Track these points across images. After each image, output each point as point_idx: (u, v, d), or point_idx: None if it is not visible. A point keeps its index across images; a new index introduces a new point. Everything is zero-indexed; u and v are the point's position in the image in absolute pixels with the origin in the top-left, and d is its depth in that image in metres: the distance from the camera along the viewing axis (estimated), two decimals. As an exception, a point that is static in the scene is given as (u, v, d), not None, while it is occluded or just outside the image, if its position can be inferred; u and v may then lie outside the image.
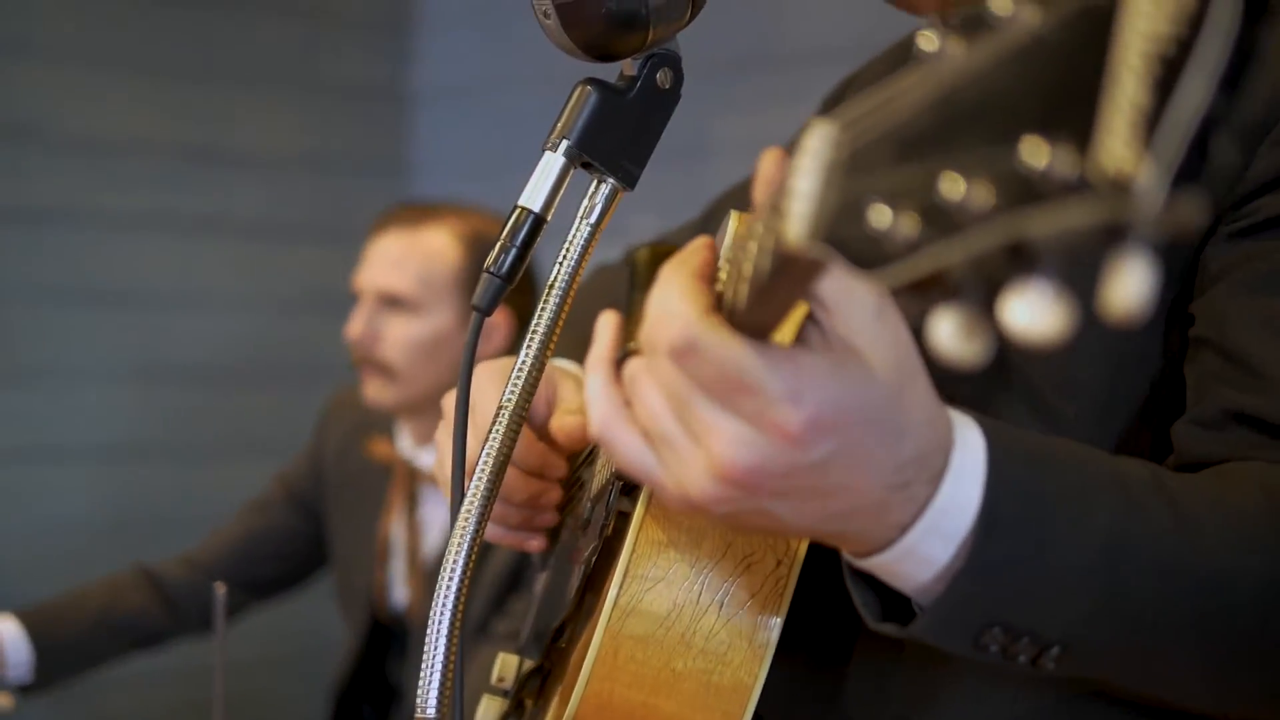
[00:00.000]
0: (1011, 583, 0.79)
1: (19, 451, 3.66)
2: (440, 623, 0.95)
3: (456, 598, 0.95)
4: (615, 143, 1.04)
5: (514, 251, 1.03)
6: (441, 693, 0.94)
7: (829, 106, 1.45)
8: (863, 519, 0.76)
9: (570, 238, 1.04)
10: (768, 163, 0.70)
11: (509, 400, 1.02)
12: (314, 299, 4.07)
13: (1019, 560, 0.78)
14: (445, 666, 0.95)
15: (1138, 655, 0.85)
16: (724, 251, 0.77)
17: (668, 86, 1.05)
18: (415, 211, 2.62)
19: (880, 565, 0.80)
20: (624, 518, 1.04)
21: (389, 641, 2.67)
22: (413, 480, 2.63)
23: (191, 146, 3.90)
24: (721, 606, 0.96)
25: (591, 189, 1.05)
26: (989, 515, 0.77)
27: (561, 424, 1.20)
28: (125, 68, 3.79)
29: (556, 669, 1.23)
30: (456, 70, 4.32)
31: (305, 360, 4.07)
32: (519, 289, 2.66)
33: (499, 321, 2.54)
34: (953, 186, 0.51)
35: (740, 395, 0.69)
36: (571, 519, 1.32)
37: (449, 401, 1.24)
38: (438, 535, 2.61)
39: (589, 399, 0.79)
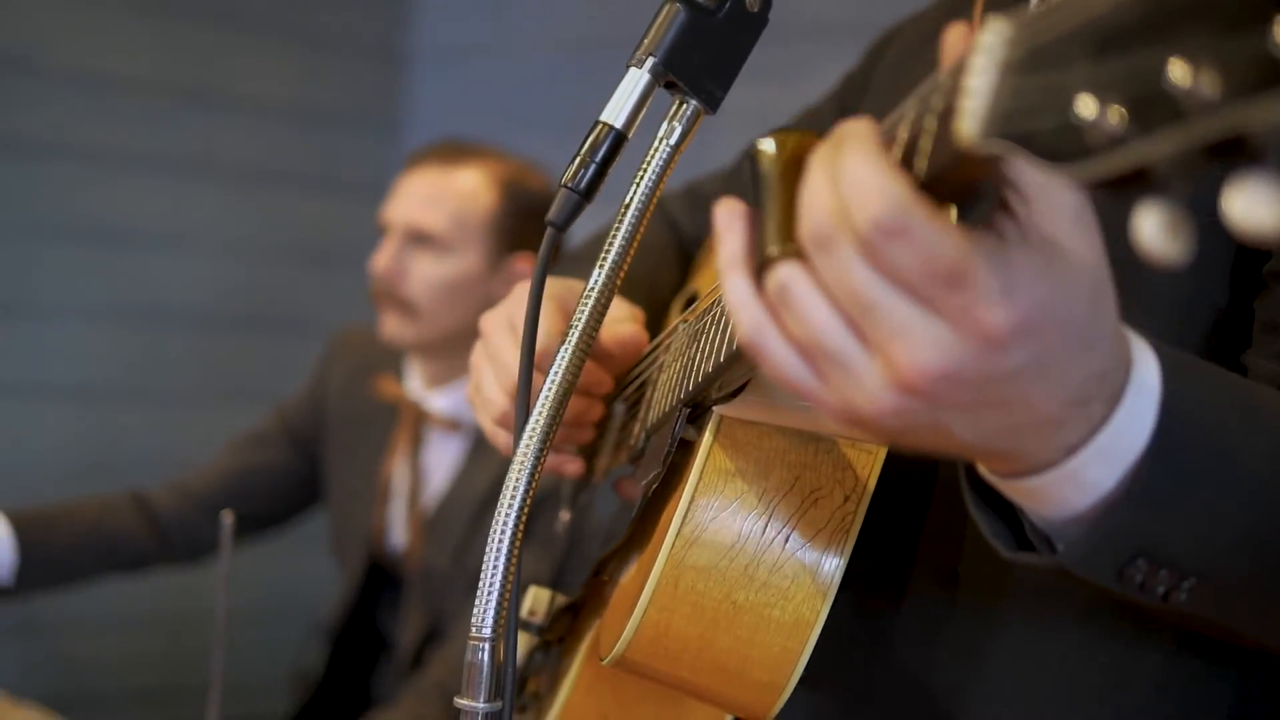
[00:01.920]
0: (1167, 511, 0.75)
1: (-5, 384, 3.59)
2: (500, 543, 0.91)
3: (518, 518, 0.92)
4: (701, 63, 1.01)
5: (593, 168, 1.00)
6: (498, 614, 0.91)
7: (873, 59, 1.43)
8: (1034, 436, 0.72)
9: (648, 158, 1.01)
10: (954, 38, 0.65)
11: (578, 322, 0.99)
12: (300, 250, 4.02)
13: (1180, 488, 0.75)
14: (503, 588, 0.91)
15: (1268, 592, 0.82)
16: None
17: (756, 9, 1.02)
18: (454, 149, 2.57)
19: (1033, 487, 0.76)
20: (687, 446, 1.01)
21: (382, 587, 2.64)
22: (419, 422, 2.59)
23: (184, 87, 3.84)
24: (787, 540, 0.94)
25: (673, 110, 1.02)
26: (1161, 440, 0.73)
27: (615, 334, 1.17)
28: (120, 1, 3.73)
29: (591, 603, 1.20)
30: (455, 30, 4.27)
31: (288, 310, 4.02)
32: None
33: (524, 270, 2.52)
34: (1181, 74, 0.49)
35: (947, 289, 0.63)
36: (612, 453, 1.29)
37: (488, 321, 1.21)
38: (440, 482, 2.58)
39: (732, 305, 0.72)
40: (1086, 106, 0.52)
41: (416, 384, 2.61)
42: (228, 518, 1.57)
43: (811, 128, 1.45)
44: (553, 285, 1.18)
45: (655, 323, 1.35)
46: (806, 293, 0.67)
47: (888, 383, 0.66)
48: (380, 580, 2.64)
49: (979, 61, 0.57)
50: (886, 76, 1.34)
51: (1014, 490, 0.78)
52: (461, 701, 0.92)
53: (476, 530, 2.43)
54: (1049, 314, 0.64)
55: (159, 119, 3.78)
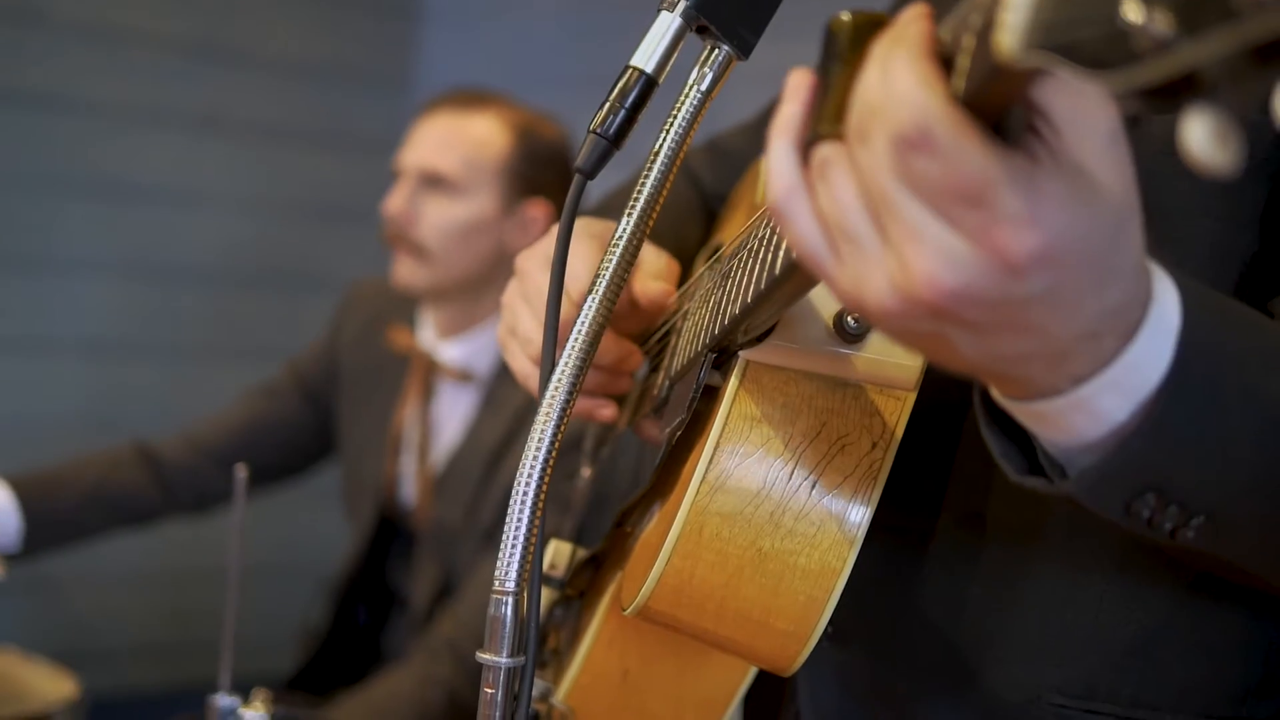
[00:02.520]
0: (1181, 448, 0.75)
1: (5, 340, 3.58)
2: (525, 495, 0.89)
3: (543, 468, 0.90)
4: (734, 7, 0.99)
5: (623, 113, 0.98)
6: (521, 567, 0.89)
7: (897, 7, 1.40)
8: (1039, 364, 0.71)
9: (679, 104, 0.98)
10: None
11: (607, 267, 0.97)
12: (312, 206, 4.00)
13: (1195, 426, 0.75)
14: (527, 541, 0.90)
15: (1278, 533, 0.82)
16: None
17: (789, -48, 0.99)
18: (468, 96, 2.57)
19: (1043, 412, 0.75)
20: (711, 393, 0.99)
21: (392, 541, 2.62)
22: (430, 373, 2.57)
23: (197, 42, 3.81)
24: (814, 487, 0.92)
25: (704, 55, 1.00)
26: (1177, 377, 0.73)
27: (645, 289, 1.15)
28: (133, -47, 3.70)
29: (613, 555, 1.19)
30: (470, -12, 4.24)
31: (299, 267, 4.00)
32: (564, 186, 2.60)
33: (538, 215, 2.50)
34: None
35: (967, 206, 0.62)
36: (634, 407, 1.27)
37: (524, 261, 1.19)
38: (451, 435, 2.56)
39: (771, 166, 0.72)
40: (1132, 10, 0.51)
41: (429, 334, 2.60)
42: (241, 471, 1.55)
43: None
44: (594, 225, 1.16)
45: (683, 276, 1.33)
46: (842, 173, 0.68)
47: (896, 284, 0.66)
48: (391, 534, 2.63)
49: None
50: None
51: (1024, 414, 0.77)
52: (484, 656, 0.91)
53: (488, 484, 2.42)
54: (1070, 244, 0.63)
55: (171, 74, 3.76)
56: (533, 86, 3.95)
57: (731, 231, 1.32)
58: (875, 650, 1.07)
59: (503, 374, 2.49)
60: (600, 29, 3.73)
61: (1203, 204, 0.93)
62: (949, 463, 1.03)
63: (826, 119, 0.70)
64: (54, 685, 2.10)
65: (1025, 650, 1.00)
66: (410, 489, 2.60)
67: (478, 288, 2.52)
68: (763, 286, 0.88)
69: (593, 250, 1.13)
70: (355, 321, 2.71)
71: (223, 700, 1.58)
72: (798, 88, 0.74)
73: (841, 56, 0.70)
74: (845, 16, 0.71)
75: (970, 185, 0.61)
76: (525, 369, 1.18)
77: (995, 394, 0.79)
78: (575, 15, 3.95)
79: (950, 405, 0.99)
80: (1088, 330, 0.70)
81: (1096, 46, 0.52)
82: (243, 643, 1.72)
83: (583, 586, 1.24)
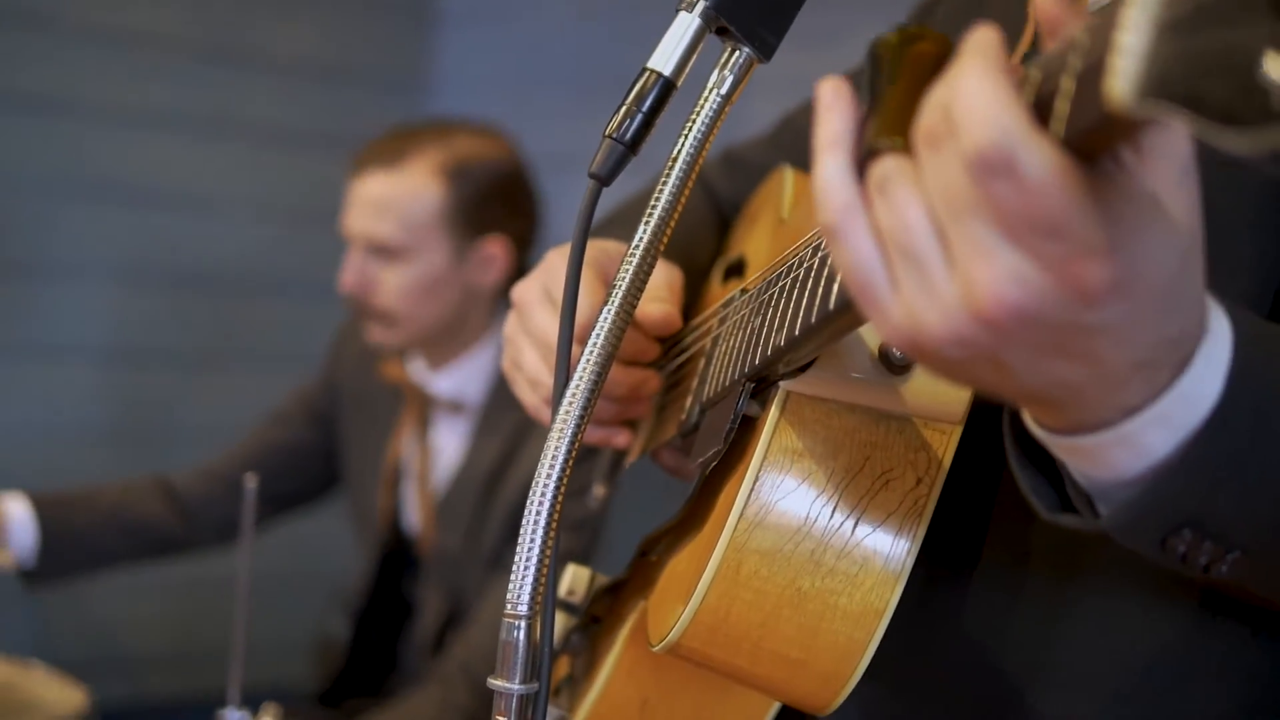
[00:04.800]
0: (1221, 484, 0.72)
1: (15, 347, 3.56)
2: (537, 518, 0.86)
3: (555, 490, 0.86)
4: (755, 8, 0.94)
5: (640, 117, 0.93)
6: (534, 591, 0.86)
7: (921, 19, 1.36)
8: (1095, 393, 0.68)
9: (698, 108, 0.95)
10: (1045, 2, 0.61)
11: (620, 282, 0.93)
12: (322, 211, 3.96)
13: (1236, 461, 0.72)
14: (540, 564, 0.86)
15: None
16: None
17: (812, -49, 0.95)
18: (391, 146, 2.44)
19: (1084, 445, 0.72)
20: (748, 423, 0.95)
21: (402, 561, 2.60)
22: (424, 405, 2.55)
23: (208, 44, 3.78)
24: (856, 524, 0.88)
25: (724, 58, 0.96)
26: (1224, 411, 0.70)
27: (646, 312, 1.11)
28: (143, -44, 3.67)
29: (635, 583, 1.15)
30: (484, -10, 4.22)
31: (310, 273, 3.97)
32: (518, 213, 2.53)
33: (496, 252, 2.44)
34: None
35: (1044, 235, 0.59)
36: (650, 428, 1.24)
37: (521, 291, 1.16)
38: (449, 463, 2.54)
39: (821, 182, 0.68)
40: (1276, 67, 0.49)
41: (419, 366, 2.57)
42: (250, 481, 1.52)
43: (859, 88, 1.39)
44: (591, 249, 1.12)
45: (693, 289, 1.29)
46: (907, 187, 0.64)
47: (962, 304, 0.62)
48: (400, 556, 2.61)
49: (1133, 16, 0.53)
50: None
51: (1062, 447, 0.74)
52: (495, 682, 0.87)
53: (487, 508, 2.39)
54: (1141, 273, 0.62)
55: (183, 77, 3.73)
56: (546, 89, 3.92)
57: (751, 243, 1.28)
58: (904, 683, 1.03)
59: (493, 399, 2.46)
60: (616, 31, 3.70)
61: (1246, 217, 0.90)
62: (992, 492, 0.99)
63: (884, 132, 0.66)
64: (62, 696, 2.07)
65: (1063, 682, 0.96)
66: (413, 516, 2.58)
67: (456, 326, 2.48)
68: (812, 320, 0.84)
69: (587, 279, 1.09)
70: (351, 351, 2.69)
71: (232, 715, 1.55)
72: (835, 98, 0.70)
73: (890, 73, 0.67)
74: (889, 35, 0.68)
75: (1050, 216, 0.59)
76: (534, 404, 1.16)
77: (1031, 426, 0.76)
78: (590, 17, 3.92)
79: (994, 432, 0.96)
80: (1147, 359, 0.67)
81: (1228, 101, 0.49)
82: (255, 652, 1.69)
83: (602, 613, 1.20)
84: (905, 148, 0.65)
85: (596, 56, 3.74)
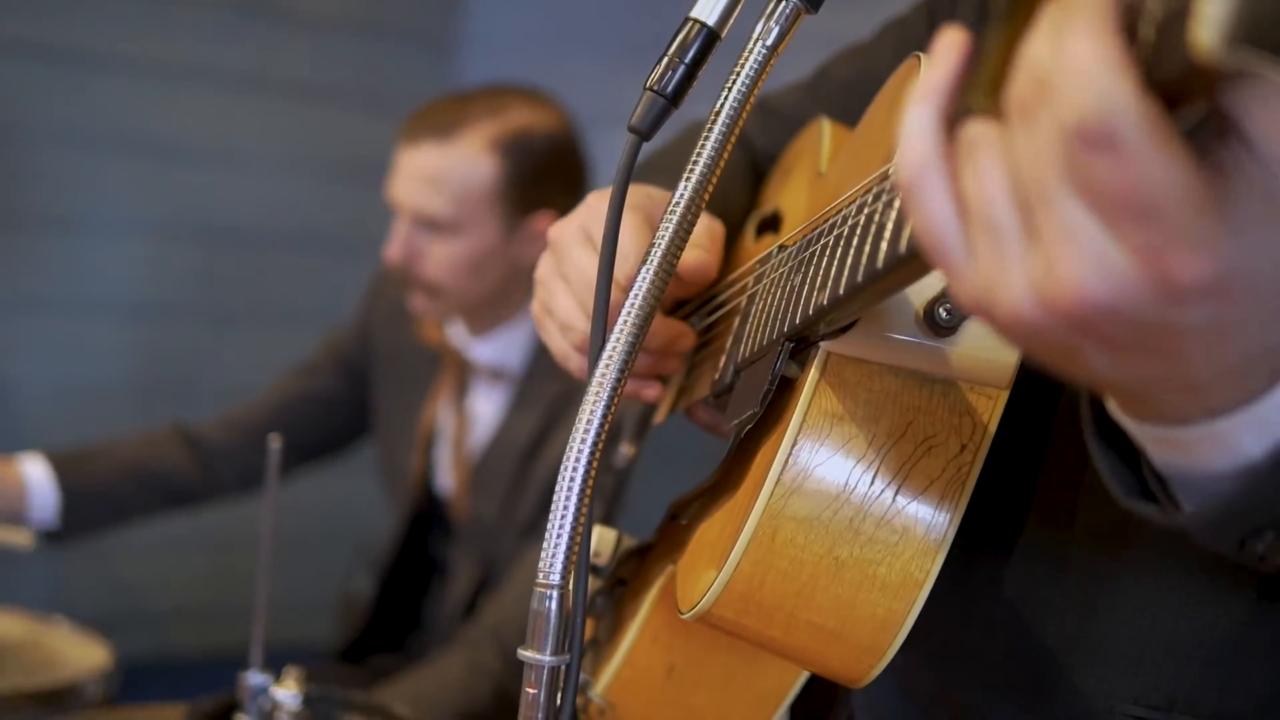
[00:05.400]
0: None
1: (46, 301, 3.55)
2: (571, 485, 0.83)
3: (590, 455, 0.83)
4: (802, -44, 0.90)
5: (682, 69, 0.90)
6: (567, 560, 0.83)
7: None
8: (1177, 394, 0.64)
9: (742, 60, 0.91)
10: None
11: (662, 237, 0.89)
12: (354, 167, 3.94)
13: None
14: (573, 532, 0.83)
15: None
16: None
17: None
18: (446, 116, 2.37)
19: (1173, 438, 0.68)
20: (786, 384, 0.92)
21: (431, 523, 2.58)
22: (463, 370, 2.51)
23: (240, 0, 3.75)
24: (897, 491, 0.85)
25: (770, 8, 0.92)
26: None
27: (684, 259, 1.07)
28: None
29: (663, 547, 1.12)
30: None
31: (341, 230, 3.95)
32: (570, 187, 2.47)
33: (546, 227, 2.39)
34: None
35: (1139, 219, 0.54)
36: (680, 386, 1.20)
37: (558, 231, 1.11)
38: (485, 429, 2.50)
39: (907, 134, 0.63)
40: None
41: (459, 331, 2.52)
42: (275, 441, 1.50)
43: (900, 40, 1.32)
44: (632, 194, 1.07)
45: (728, 242, 1.25)
46: (994, 157, 0.59)
47: (1036, 289, 0.58)
48: (429, 516, 2.58)
49: None
50: None
51: (1147, 435, 0.70)
52: (526, 653, 0.84)
53: (524, 480, 2.36)
54: (1245, 277, 0.56)
55: (214, 32, 3.70)
56: (578, 49, 3.87)
57: (787, 197, 1.24)
58: (941, 655, 1.00)
59: (534, 369, 2.42)
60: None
61: None
62: (1037, 460, 0.95)
63: (982, 91, 0.60)
64: (86, 653, 2.06)
65: (1104, 658, 0.93)
66: (446, 479, 2.55)
67: (498, 299, 2.44)
68: (859, 279, 0.79)
69: (634, 224, 1.05)
70: (385, 304, 2.64)
71: (254, 678, 1.53)
72: (950, 49, 0.64)
73: (1004, 17, 0.60)
74: None
75: (1149, 198, 0.53)
76: (563, 349, 1.11)
77: (1113, 408, 0.71)
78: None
79: (1041, 396, 0.92)
80: (1236, 368, 0.62)
81: None
82: (279, 610, 1.67)
83: (627, 575, 1.17)
84: (1000, 111, 0.60)
85: (631, 13, 3.69)
